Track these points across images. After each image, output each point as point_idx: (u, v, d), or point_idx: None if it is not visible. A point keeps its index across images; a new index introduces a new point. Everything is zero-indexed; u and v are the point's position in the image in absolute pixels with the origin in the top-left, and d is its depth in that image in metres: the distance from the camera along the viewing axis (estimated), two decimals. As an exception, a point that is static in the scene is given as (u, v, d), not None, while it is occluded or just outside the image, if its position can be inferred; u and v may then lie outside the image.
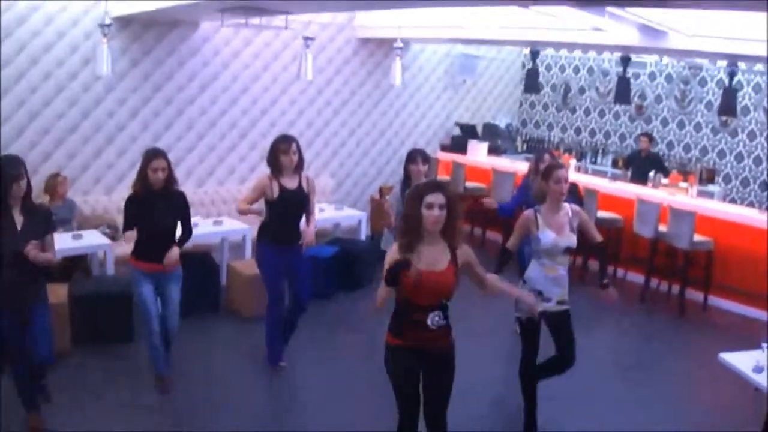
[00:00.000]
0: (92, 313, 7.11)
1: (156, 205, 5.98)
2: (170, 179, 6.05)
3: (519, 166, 11.59)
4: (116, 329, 7.23)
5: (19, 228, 5.10)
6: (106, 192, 9.32)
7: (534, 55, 12.08)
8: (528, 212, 5.66)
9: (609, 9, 6.98)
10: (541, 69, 13.45)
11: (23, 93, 8.74)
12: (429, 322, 4.31)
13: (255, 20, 8.59)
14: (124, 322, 7.24)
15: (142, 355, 6.78)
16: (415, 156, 7.08)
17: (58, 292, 6.87)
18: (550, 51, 13.81)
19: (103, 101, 9.34)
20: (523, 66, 13.85)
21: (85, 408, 5.95)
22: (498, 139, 13.37)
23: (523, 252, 6.61)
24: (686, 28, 7.56)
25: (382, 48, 11.75)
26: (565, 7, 7.48)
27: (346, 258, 9.24)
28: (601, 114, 13.37)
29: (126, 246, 6.18)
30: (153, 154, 6.00)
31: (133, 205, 6.03)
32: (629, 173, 11.46)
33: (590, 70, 13.48)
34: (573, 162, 12.05)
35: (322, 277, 8.79)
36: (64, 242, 7.52)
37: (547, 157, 7.47)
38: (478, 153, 12.78)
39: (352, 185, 12.17)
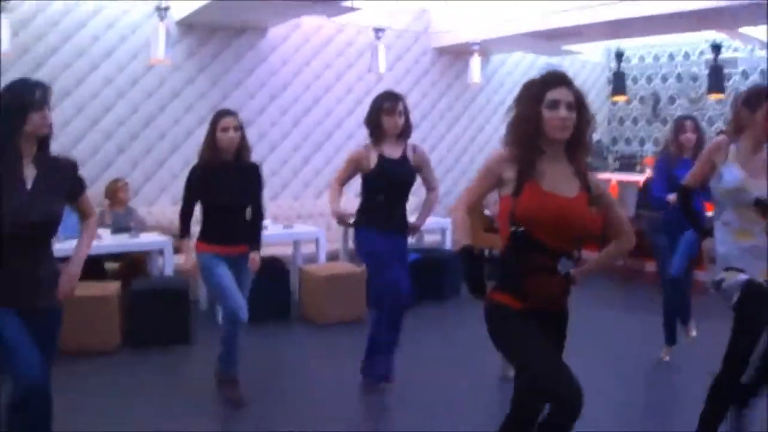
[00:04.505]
0: (146, 310, 6.51)
1: (227, 177, 5.06)
2: (243, 146, 5.16)
3: (614, 176, 10.85)
4: (172, 329, 6.59)
5: (29, 185, 3.43)
6: (172, 202, 8.79)
7: (619, 56, 11.34)
8: (721, 137, 4.17)
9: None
10: (628, 82, 12.59)
11: (83, 98, 8.38)
12: (560, 267, 3.15)
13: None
14: (180, 322, 6.63)
15: (199, 359, 6.15)
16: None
17: (109, 287, 6.34)
18: (635, 62, 12.98)
19: (168, 107, 8.93)
20: (608, 81, 12.95)
21: (133, 410, 5.17)
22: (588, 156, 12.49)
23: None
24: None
25: (461, 59, 11.09)
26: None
27: (429, 266, 8.47)
28: (695, 121, 12.33)
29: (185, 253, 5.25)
30: (223, 113, 5.14)
31: (198, 176, 5.12)
32: None
33: (679, 77, 12.52)
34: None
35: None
36: (120, 241, 7.05)
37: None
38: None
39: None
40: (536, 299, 3.15)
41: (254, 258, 5.17)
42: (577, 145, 3.19)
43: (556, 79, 3.16)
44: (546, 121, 3.10)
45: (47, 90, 3.48)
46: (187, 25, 8.92)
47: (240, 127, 5.09)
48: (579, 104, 3.14)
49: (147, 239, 7.39)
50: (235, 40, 9.38)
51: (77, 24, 8.34)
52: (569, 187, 3.18)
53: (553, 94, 3.10)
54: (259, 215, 5.30)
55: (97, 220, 3.91)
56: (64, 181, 3.58)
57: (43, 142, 3.53)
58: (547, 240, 3.11)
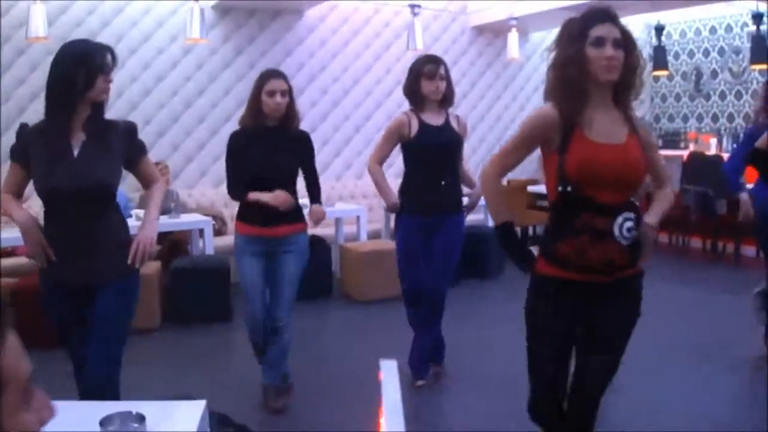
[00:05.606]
0: (187, 289, 6.57)
1: (270, 145, 4.41)
2: (291, 111, 4.47)
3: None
4: (212, 308, 6.64)
5: (76, 152, 3.28)
6: (212, 185, 8.82)
7: (659, 30, 11.18)
8: None
9: None
10: (670, 58, 12.41)
11: (123, 82, 8.37)
12: (616, 231, 2.74)
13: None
14: (221, 300, 6.67)
15: (240, 336, 6.12)
16: None
17: (149, 266, 6.34)
18: (676, 37, 12.72)
19: (206, 90, 8.93)
20: (650, 57, 12.64)
21: (176, 384, 5.25)
22: (632, 134, 12.32)
23: None
24: None
25: (500, 37, 10.96)
26: None
27: (471, 245, 8.36)
28: (738, 96, 11.94)
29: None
30: (270, 74, 4.46)
31: (238, 143, 4.49)
32: None
33: (721, 51, 12.20)
34: (713, 141, 11.01)
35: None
36: (160, 221, 7.05)
37: None
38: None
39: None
40: (587, 268, 2.77)
41: (316, 209, 4.67)
42: (625, 87, 2.84)
43: (599, 14, 2.79)
44: (591, 60, 2.74)
45: (114, 53, 3.37)
46: (223, 9, 8.93)
47: (288, 92, 4.44)
48: (627, 41, 2.81)
49: (187, 219, 7.41)
50: (272, 23, 9.36)
51: (114, 10, 8.38)
52: (619, 133, 2.82)
53: (597, 31, 2.75)
54: (313, 180, 4.73)
55: (162, 186, 3.69)
56: (118, 146, 3.40)
57: (98, 107, 3.37)
58: (601, 196, 2.73)
